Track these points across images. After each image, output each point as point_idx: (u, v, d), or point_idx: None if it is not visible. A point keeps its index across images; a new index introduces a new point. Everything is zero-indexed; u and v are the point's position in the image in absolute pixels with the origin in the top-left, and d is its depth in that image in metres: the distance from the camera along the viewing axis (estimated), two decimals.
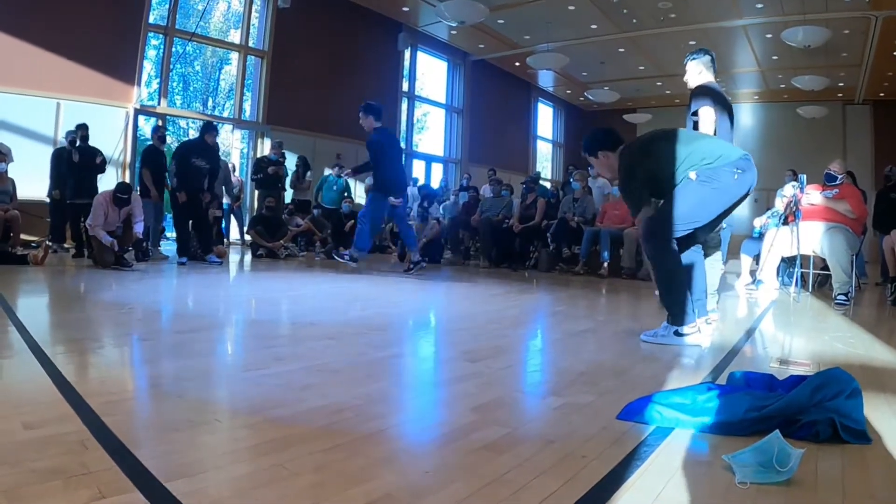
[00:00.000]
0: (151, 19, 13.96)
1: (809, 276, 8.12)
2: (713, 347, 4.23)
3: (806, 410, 2.38)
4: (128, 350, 3.81)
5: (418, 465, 2.07)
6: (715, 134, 5.22)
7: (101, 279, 7.20)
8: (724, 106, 5.36)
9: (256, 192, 14.21)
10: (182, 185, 9.70)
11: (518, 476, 1.93)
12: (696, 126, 5.33)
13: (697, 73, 5.54)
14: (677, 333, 4.21)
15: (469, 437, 2.28)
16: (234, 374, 3.29)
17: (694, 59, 5.58)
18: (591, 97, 22.50)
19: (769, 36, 16.80)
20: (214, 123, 10.96)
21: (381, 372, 3.52)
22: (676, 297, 4.25)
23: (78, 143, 10.48)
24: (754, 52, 18.59)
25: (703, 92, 5.41)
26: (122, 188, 9.00)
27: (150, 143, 11.14)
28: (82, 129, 10.63)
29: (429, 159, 21.75)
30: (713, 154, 4.17)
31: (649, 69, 21.04)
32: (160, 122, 13.10)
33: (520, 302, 7.01)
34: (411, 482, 1.90)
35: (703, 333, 4.24)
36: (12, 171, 10.24)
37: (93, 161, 10.56)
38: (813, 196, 7.45)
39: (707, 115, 5.24)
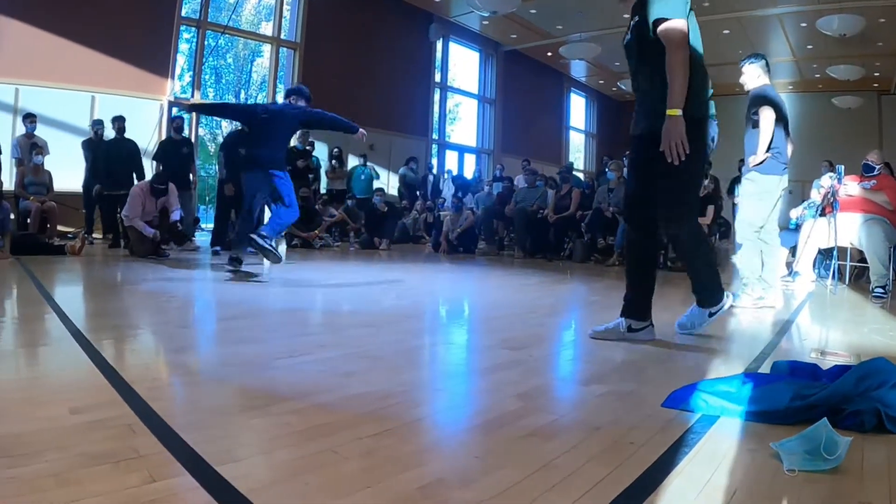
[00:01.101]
0: (184, 13, 14.05)
1: (846, 268, 8.01)
2: (753, 338, 4.21)
3: (851, 400, 2.37)
4: (169, 337, 3.86)
5: (467, 450, 2.09)
6: (772, 138, 5.59)
7: (139, 268, 7.29)
8: (783, 115, 5.71)
9: None
10: (231, 177, 9.75)
11: (567, 462, 1.94)
12: (755, 125, 5.69)
13: (756, 76, 5.86)
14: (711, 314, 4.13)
15: (516, 423, 2.29)
16: (277, 360, 3.31)
17: (752, 62, 5.89)
18: (623, 87, 22.39)
19: (804, 25, 16.56)
20: None
21: (423, 359, 3.55)
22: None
23: (115, 135, 10.63)
24: (789, 41, 18.35)
25: (767, 96, 5.73)
26: (160, 179, 9.11)
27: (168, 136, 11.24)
28: (119, 121, 10.77)
29: (461, 150, 21.71)
30: None
31: None
32: (182, 113, 13.23)
33: (555, 291, 7.00)
34: (461, 467, 1.92)
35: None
36: (49, 163, 10.37)
37: (127, 152, 10.72)
38: (850, 187, 7.36)
39: (768, 119, 5.53)
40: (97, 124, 11.10)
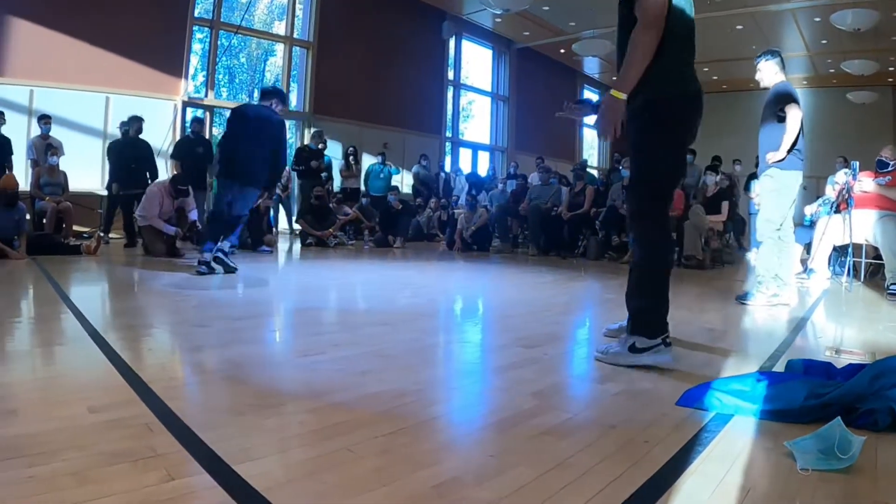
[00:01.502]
0: (197, 13, 14.08)
1: (862, 265, 7.95)
2: (767, 336, 4.20)
3: (865, 398, 2.36)
4: (186, 336, 3.88)
5: (482, 449, 2.10)
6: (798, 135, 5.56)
7: (154, 268, 7.31)
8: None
9: (300, 182, 14.30)
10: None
11: (581, 460, 1.95)
12: (780, 121, 5.61)
13: (773, 73, 5.84)
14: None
15: (530, 422, 2.30)
16: (292, 359, 3.34)
17: (768, 59, 5.87)
18: None
19: (818, 19, 16.43)
20: None
21: (438, 358, 3.57)
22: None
23: (130, 135, 10.71)
24: (803, 36, 18.23)
25: (793, 94, 5.70)
26: (181, 180, 9.15)
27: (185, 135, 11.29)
28: (136, 121, 10.84)
29: (475, 147, 21.69)
30: None
31: (696, 55, 20.75)
32: (201, 114, 13.31)
33: (570, 289, 7.00)
34: (476, 466, 1.93)
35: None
36: (63, 164, 10.43)
37: (145, 152, 10.80)
38: (865, 183, 7.31)
39: (797, 117, 5.56)
40: (125, 125, 11.16)
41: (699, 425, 2.32)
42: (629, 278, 3.42)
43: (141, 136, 10.99)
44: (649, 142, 3.31)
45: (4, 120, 10.16)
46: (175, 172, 10.37)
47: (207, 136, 11.95)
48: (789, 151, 5.59)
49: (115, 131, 11.63)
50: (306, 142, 15.12)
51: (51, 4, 11.63)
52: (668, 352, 3.21)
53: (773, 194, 5.81)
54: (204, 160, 11.11)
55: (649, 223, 3.35)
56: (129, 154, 10.68)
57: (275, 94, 7.37)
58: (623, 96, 3.19)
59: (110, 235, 10.92)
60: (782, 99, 5.69)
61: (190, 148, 11.01)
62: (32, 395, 2.44)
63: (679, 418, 2.38)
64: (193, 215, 9.41)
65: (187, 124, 12.01)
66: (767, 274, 5.75)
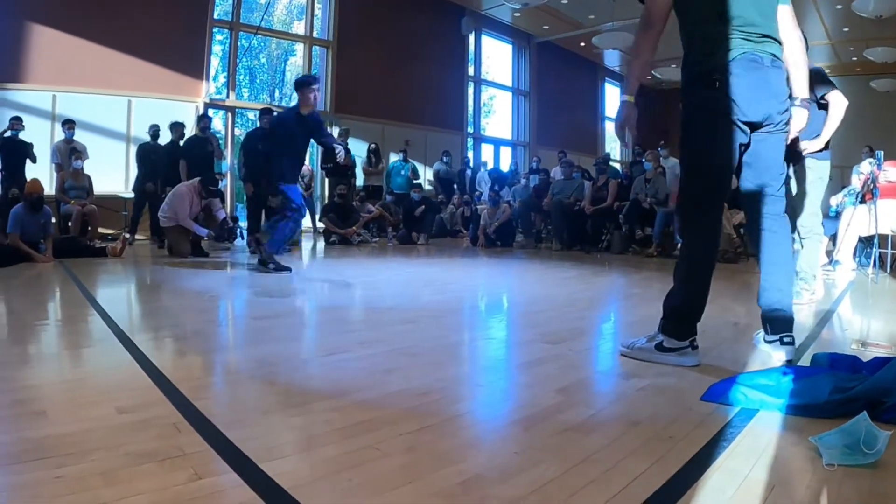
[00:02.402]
0: (216, 15, 14.16)
1: (888, 256, 7.88)
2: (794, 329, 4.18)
3: (891, 392, 2.34)
4: (211, 336, 3.92)
5: (507, 446, 2.10)
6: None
7: (179, 269, 7.36)
8: None
9: (327, 181, 14.35)
10: (250, 175, 9.82)
11: (606, 456, 1.95)
12: (820, 107, 5.20)
13: None
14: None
15: (555, 418, 2.31)
16: (317, 358, 3.36)
17: None
18: (658, 76, 22.13)
19: (839, 7, 16.20)
20: (269, 108, 11.12)
21: (463, 355, 3.58)
22: None
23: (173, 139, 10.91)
24: (824, 24, 18.00)
25: (825, 76, 5.37)
26: (214, 181, 9.19)
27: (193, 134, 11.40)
28: (179, 127, 11.07)
29: (497, 143, 21.65)
30: None
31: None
32: (216, 113, 13.40)
33: (594, 284, 6.98)
34: (501, 462, 1.93)
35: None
36: (88, 167, 10.52)
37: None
38: (891, 173, 7.23)
39: (844, 104, 5.16)
40: (153, 127, 11.32)
41: (724, 420, 2.31)
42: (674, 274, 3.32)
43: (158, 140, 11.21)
44: (686, 142, 3.27)
45: (23, 125, 10.25)
46: (184, 173, 10.44)
47: (229, 138, 11.98)
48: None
49: (140, 134, 11.84)
50: None
51: (71, 10, 11.76)
52: (695, 355, 3.17)
53: (818, 183, 5.47)
54: (212, 158, 11.13)
55: (695, 215, 3.27)
56: (175, 157, 10.81)
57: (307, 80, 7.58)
58: (629, 98, 3.23)
59: (136, 237, 11.03)
60: (823, 81, 5.31)
61: (201, 146, 11.03)
62: (61, 397, 2.47)
63: (704, 413, 2.38)
64: (221, 214, 9.46)
65: (211, 125, 12.05)
66: (811, 271, 5.45)
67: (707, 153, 3.16)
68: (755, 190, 3.31)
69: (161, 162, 11.08)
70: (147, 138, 11.48)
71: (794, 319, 3.25)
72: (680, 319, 3.20)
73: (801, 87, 3.29)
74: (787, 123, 3.21)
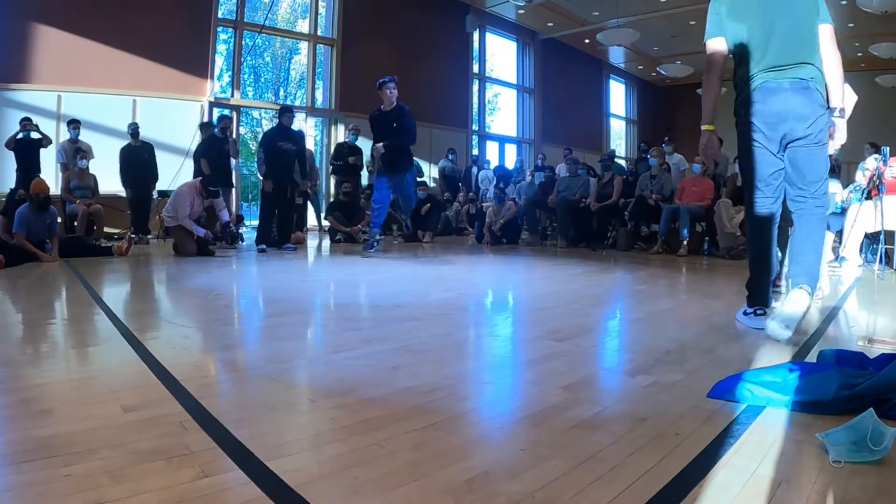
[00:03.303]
0: (220, 14, 14.23)
1: (894, 252, 7.87)
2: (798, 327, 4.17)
3: None
4: (217, 334, 3.92)
5: (513, 443, 2.10)
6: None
7: (185, 268, 7.39)
8: None
9: (332, 179, 14.37)
10: (270, 172, 9.84)
11: (613, 453, 1.95)
12: None
13: None
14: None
15: (561, 415, 2.30)
16: (323, 355, 3.36)
17: None
18: (663, 72, 22.13)
19: (844, 2, 16.16)
20: (289, 105, 11.17)
21: (469, 352, 3.57)
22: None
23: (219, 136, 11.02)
24: None
25: None
26: (213, 181, 9.21)
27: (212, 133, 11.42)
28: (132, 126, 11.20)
29: (502, 140, 21.68)
30: None
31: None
32: (229, 113, 13.43)
33: (600, 281, 6.97)
34: (508, 460, 1.93)
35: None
36: (93, 167, 10.55)
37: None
38: None
39: (851, 96, 5.14)
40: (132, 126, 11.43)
41: (730, 417, 2.30)
42: None
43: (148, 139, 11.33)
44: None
45: (34, 126, 10.32)
46: (207, 171, 10.42)
47: (235, 136, 12.04)
48: None
49: (146, 134, 11.82)
50: (334, 139, 15.21)
51: (76, 11, 11.82)
52: (761, 320, 3.79)
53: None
54: (229, 158, 11.16)
55: (746, 209, 4.03)
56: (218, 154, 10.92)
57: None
58: (710, 128, 3.98)
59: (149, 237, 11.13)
60: None
61: (219, 147, 11.05)
62: (67, 395, 2.48)
63: (710, 410, 2.37)
64: (225, 216, 9.48)
65: (214, 122, 12.06)
66: (823, 269, 5.46)
67: (746, 163, 3.94)
68: (792, 193, 3.87)
69: (144, 163, 11.26)
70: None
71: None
72: (749, 290, 4.06)
73: (835, 98, 3.80)
74: (822, 133, 3.72)
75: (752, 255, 4.05)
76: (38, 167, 10.26)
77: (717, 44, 3.94)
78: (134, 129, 11.35)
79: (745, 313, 4.05)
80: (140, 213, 11.24)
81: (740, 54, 3.89)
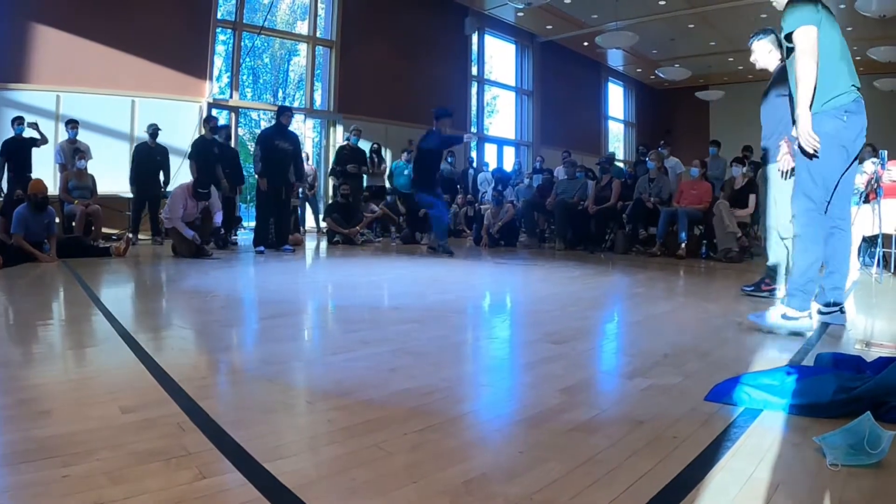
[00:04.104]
0: (220, 15, 14.22)
1: (892, 256, 7.86)
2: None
3: (894, 392, 2.34)
4: (214, 336, 3.92)
5: (511, 445, 2.11)
6: None
7: (183, 269, 7.38)
8: None
9: (331, 181, 14.36)
10: (266, 172, 9.81)
11: (610, 456, 1.95)
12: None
13: (767, 51, 5.31)
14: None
15: (559, 417, 2.31)
16: (322, 357, 3.37)
17: (760, 38, 5.32)
18: (662, 75, 22.11)
19: (842, 6, 16.16)
20: (288, 105, 11.15)
21: (467, 354, 3.58)
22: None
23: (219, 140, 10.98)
24: None
25: None
26: (203, 183, 9.20)
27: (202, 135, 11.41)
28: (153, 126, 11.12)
29: (500, 143, 21.67)
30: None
31: (720, 45, 20.55)
32: (219, 114, 13.42)
33: (598, 284, 6.97)
34: (506, 462, 1.94)
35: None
36: (91, 167, 10.54)
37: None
38: (894, 172, 7.22)
39: None
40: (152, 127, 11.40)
41: (728, 420, 2.31)
42: None
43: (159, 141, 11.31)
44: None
45: (26, 125, 10.28)
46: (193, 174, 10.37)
47: (233, 137, 12.00)
48: None
49: (142, 134, 11.75)
50: (333, 141, 15.23)
51: (75, 11, 11.80)
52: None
53: (782, 186, 5.33)
54: (219, 161, 11.08)
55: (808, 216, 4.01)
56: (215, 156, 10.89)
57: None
58: (804, 112, 3.92)
59: (138, 236, 11.11)
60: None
61: (209, 148, 10.96)
62: (66, 396, 2.48)
63: (708, 413, 2.38)
64: (218, 218, 9.48)
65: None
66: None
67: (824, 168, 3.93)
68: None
69: (156, 163, 11.25)
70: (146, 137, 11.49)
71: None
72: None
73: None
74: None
75: (815, 258, 4.04)
76: (30, 167, 10.22)
77: (816, 32, 3.88)
78: (153, 130, 11.30)
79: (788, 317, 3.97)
80: (140, 214, 11.22)
81: (833, 62, 3.93)
